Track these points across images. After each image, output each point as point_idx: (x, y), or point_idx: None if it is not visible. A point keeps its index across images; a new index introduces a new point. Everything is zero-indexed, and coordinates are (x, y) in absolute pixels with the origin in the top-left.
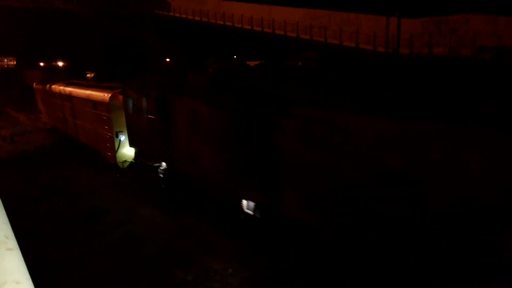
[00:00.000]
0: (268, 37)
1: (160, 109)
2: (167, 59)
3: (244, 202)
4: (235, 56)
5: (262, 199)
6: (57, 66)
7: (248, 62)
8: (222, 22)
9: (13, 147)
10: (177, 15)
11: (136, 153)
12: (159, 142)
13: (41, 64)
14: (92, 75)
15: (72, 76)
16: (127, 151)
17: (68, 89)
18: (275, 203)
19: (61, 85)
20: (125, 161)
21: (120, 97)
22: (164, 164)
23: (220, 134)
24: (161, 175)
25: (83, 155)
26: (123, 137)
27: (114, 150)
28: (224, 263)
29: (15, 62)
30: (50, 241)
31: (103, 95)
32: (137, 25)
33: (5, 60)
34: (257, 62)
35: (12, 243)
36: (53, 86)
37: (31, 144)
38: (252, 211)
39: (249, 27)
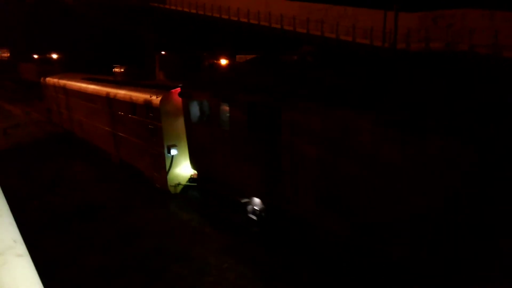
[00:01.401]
0: (265, 30)
1: (259, 121)
2: (163, 52)
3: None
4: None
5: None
6: (52, 58)
7: (244, 56)
8: (218, 15)
9: (5, 141)
10: (173, 7)
11: (200, 176)
12: (253, 168)
13: (35, 56)
14: (121, 69)
15: (68, 69)
16: (181, 171)
17: (92, 87)
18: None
19: (79, 81)
20: (178, 184)
21: (175, 100)
22: (257, 200)
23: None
24: (254, 216)
25: (79, 149)
26: (176, 152)
27: (164, 169)
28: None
29: (8, 54)
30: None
31: (150, 97)
32: (132, 17)
33: None
34: (252, 56)
35: (22, 248)
36: (69, 83)
37: (25, 138)
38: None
39: (245, 20)
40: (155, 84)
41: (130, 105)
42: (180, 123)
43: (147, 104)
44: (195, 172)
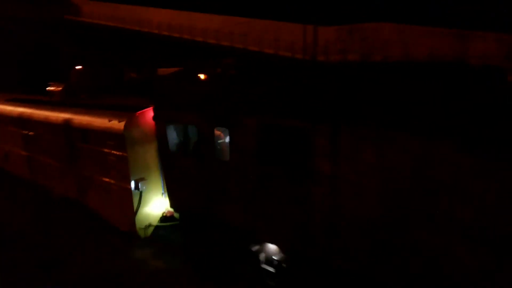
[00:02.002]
0: (188, 43)
1: (276, 149)
2: (78, 67)
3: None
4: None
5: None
6: None
7: (166, 69)
8: (138, 28)
9: None
10: (89, 20)
11: (183, 216)
12: (268, 208)
13: None
14: (59, 88)
15: None
16: (151, 210)
17: (27, 110)
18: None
19: (3, 104)
20: (149, 225)
21: (142, 124)
22: (273, 247)
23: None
24: (270, 267)
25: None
26: (144, 188)
27: (130, 208)
28: None
29: None
30: None
31: (110, 121)
32: (47, 31)
33: None
34: (175, 69)
35: None
36: None
37: None
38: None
39: (167, 33)
40: (109, 105)
41: (80, 131)
42: (149, 152)
43: (106, 130)
44: (168, 209)
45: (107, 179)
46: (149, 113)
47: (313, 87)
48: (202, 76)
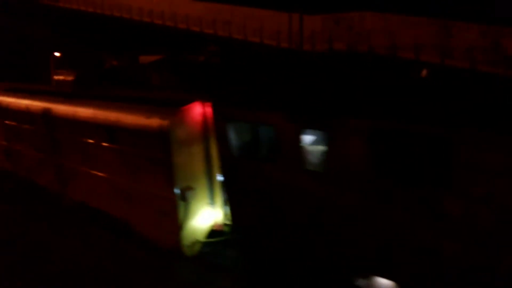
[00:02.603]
0: (170, 31)
1: (400, 159)
2: (56, 53)
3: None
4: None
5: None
6: None
7: (148, 57)
8: (119, 15)
9: None
10: (67, 6)
11: (247, 232)
12: (386, 231)
13: None
14: (69, 77)
15: None
16: (199, 223)
17: (26, 102)
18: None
19: (3, 95)
20: (196, 241)
21: (189, 122)
22: (388, 284)
23: None
24: None
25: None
26: (192, 197)
27: (174, 222)
28: None
29: None
30: None
31: (149, 118)
32: (22, 16)
33: None
34: (157, 57)
35: None
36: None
37: None
38: None
39: (148, 20)
40: (139, 97)
41: (106, 129)
42: (196, 155)
43: (143, 128)
44: (217, 222)
45: (141, 187)
46: (196, 108)
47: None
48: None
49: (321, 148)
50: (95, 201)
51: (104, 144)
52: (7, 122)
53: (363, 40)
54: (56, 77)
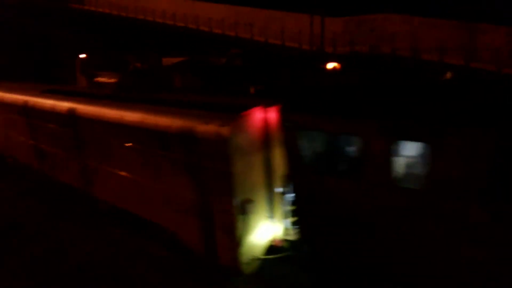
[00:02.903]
0: (193, 33)
1: None
2: (82, 55)
3: None
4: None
5: None
6: None
7: (170, 59)
8: (142, 17)
9: None
10: (93, 8)
11: (324, 253)
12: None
13: None
14: (111, 79)
15: None
16: (257, 238)
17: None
18: None
19: (44, 97)
20: (254, 258)
21: (249, 129)
22: None
23: None
24: None
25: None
26: (252, 211)
27: (231, 237)
28: None
29: None
30: None
31: (206, 124)
32: (50, 20)
33: None
34: (180, 59)
35: None
36: (31, 99)
37: None
38: None
39: (171, 23)
40: (191, 101)
41: (158, 135)
42: (255, 165)
43: (200, 135)
44: (277, 237)
45: (195, 198)
46: (257, 114)
47: None
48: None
49: (416, 161)
50: (142, 210)
51: (154, 150)
52: (49, 125)
53: (386, 42)
54: (97, 79)
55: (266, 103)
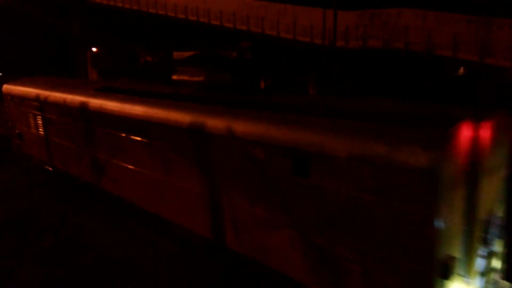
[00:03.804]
0: (204, 27)
1: None
2: (94, 49)
3: None
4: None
5: None
6: None
7: (182, 53)
8: (154, 11)
9: None
10: (105, 2)
11: None
12: None
13: None
14: (195, 77)
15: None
16: None
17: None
18: None
19: (101, 97)
20: None
21: (459, 155)
22: None
23: None
24: None
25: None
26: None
27: None
28: None
29: None
30: None
31: (390, 145)
32: (63, 13)
33: None
34: (191, 53)
35: None
36: (85, 99)
37: None
38: None
39: (183, 17)
40: (341, 109)
41: (290, 157)
42: (457, 206)
43: (383, 161)
44: None
45: (342, 252)
46: (465, 132)
47: None
48: None
49: None
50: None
51: (292, 177)
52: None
53: (399, 37)
54: (176, 77)
55: (475, 115)
